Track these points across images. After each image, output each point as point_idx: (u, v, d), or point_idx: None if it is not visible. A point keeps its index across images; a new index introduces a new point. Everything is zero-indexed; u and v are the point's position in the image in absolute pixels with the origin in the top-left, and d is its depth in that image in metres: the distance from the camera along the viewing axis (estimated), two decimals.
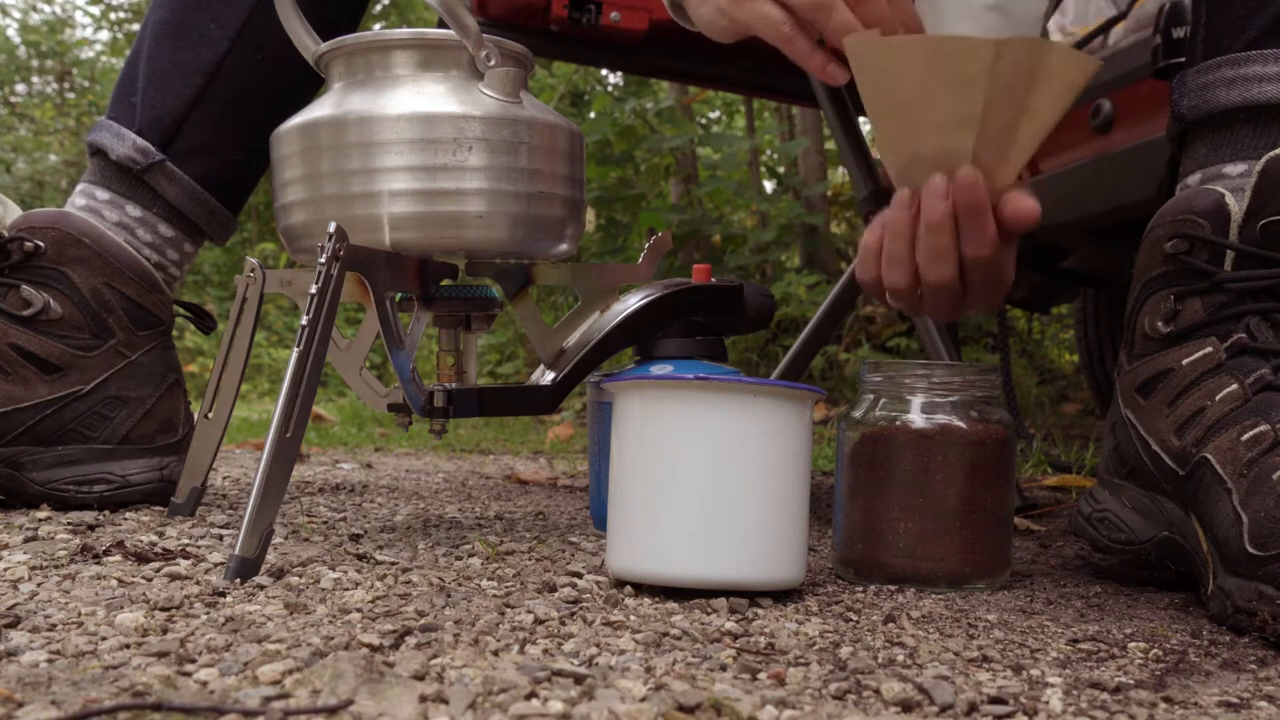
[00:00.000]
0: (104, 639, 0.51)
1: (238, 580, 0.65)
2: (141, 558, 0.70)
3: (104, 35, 7.56)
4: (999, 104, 0.65)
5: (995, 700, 0.47)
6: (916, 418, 0.70)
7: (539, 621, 0.57)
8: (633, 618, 0.59)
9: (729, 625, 0.58)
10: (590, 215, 3.50)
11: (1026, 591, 0.72)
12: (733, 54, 1.31)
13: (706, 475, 0.63)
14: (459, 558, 0.75)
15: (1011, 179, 0.68)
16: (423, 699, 0.43)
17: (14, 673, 0.46)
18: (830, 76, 0.75)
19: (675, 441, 0.64)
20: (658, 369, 0.85)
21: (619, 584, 0.67)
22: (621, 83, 4.10)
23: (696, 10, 0.78)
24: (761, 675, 0.49)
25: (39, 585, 0.63)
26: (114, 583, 0.64)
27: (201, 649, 0.50)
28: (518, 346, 3.45)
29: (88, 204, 0.97)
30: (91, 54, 7.33)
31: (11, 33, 7.21)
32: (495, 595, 0.63)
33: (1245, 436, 0.64)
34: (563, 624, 0.57)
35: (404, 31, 0.78)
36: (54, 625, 0.54)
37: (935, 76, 0.65)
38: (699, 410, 0.64)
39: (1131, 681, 0.51)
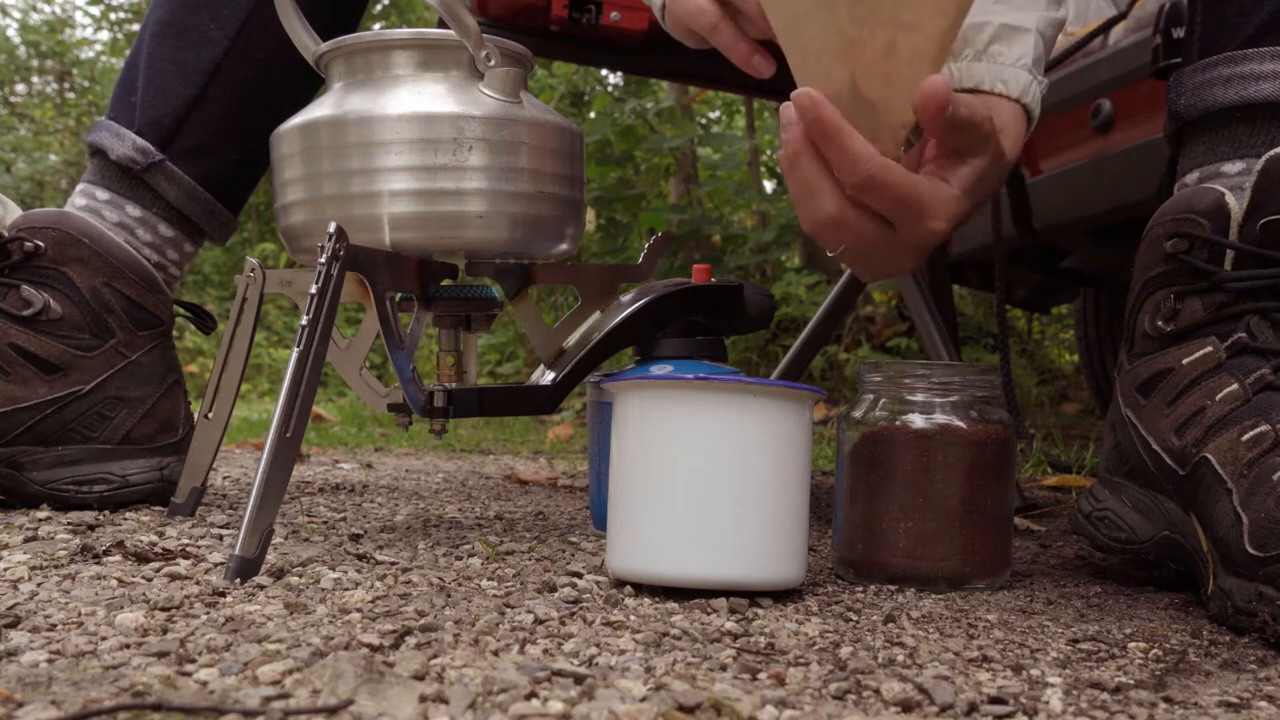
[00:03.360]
0: (104, 639, 0.51)
1: (238, 580, 0.65)
2: (141, 558, 0.70)
3: (104, 35, 7.56)
4: (864, 24, 0.61)
5: (995, 700, 0.47)
6: (916, 418, 0.70)
7: (539, 621, 0.57)
8: (633, 618, 0.59)
9: (729, 625, 0.58)
10: (590, 215, 3.50)
11: (1026, 591, 0.72)
12: None
13: (707, 475, 0.63)
14: (459, 558, 0.75)
15: (906, 104, 0.63)
16: (423, 699, 0.43)
17: (14, 673, 0.46)
18: (754, 68, 0.72)
19: (676, 441, 0.64)
20: (658, 369, 0.85)
21: (619, 584, 0.67)
22: (621, 83, 4.10)
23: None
24: (761, 675, 0.49)
25: (39, 585, 0.63)
26: (114, 583, 0.64)
27: (201, 649, 0.50)
28: (518, 346, 3.45)
29: (88, 204, 0.97)
30: (91, 54, 7.34)
31: (11, 33, 7.22)
32: (495, 595, 0.63)
33: (1245, 436, 0.64)
34: (563, 624, 0.57)
35: (404, 31, 0.78)
36: (54, 625, 0.54)
37: (803, 5, 0.62)
38: (699, 410, 0.64)
39: (1131, 681, 0.51)
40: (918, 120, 0.64)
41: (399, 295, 0.82)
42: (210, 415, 0.86)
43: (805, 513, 0.66)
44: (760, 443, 0.64)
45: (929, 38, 0.62)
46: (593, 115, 3.62)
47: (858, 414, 0.73)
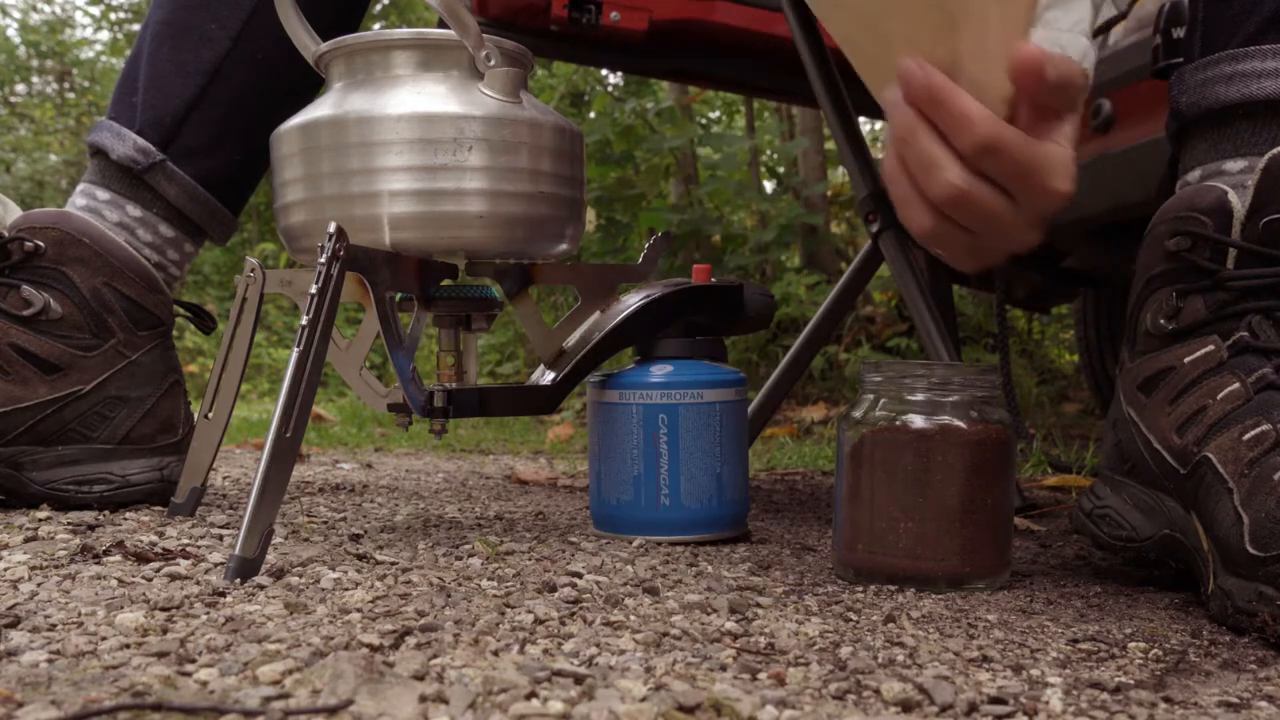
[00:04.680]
0: (104, 639, 0.51)
1: (238, 580, 0.65)
2: (141, 558, 0.70)
3: (104, 35, 7.56)
4: (965, 1, 0.60)
5: (995, 700, 0.47)
6: (916, 418, 0.70)
7: (539, 621, 0.57)
8: (633, 618, 0.59)
9: (729, 625, 0.58)
10: (590, 215, 3.50)
11: (1026, 591, 0.72)
12: (733, 54, 1.31)
13: None
14: (459, 558, 0.75)
15: (1004, 77, 0.62)
16: (423, 699, 0.43)
17: (14, 673, 0.46)
18: None
19: None
20: (658, 369, 0.85)
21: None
22: (621, 83, 4.10)
23: None
24: (761, 675, 0.49)
25: (39, 585, 0.63)
26: (114, 583, 0.64)
27: (201, 649, 0.50)
28: (518, 346, 3.45)
29: (88, 204, 0.97)
30: (91, 54, 7.34)
31: (11, 33, 7.22)
32: (495, 595, 0.63)
33: (1247, 436, 0.64)
34: (563, 624, 0.57)
35: (404, 31, 0.78)
36: (54, 625, 0.54)
37: None
38: None
39: (1131, 681, 0.51)
40: (1016, 88, 0.62)
41: (399, 295, 0.82)
42: (210, 415, 0.86)
43: None
44: None
45: (1021, 6, 0.61)
46: (593, 115, 3.62)
47: (858, 414, 0.73)
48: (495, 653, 0.51)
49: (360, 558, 0.73)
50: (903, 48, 0.62)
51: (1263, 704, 0.48)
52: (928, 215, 0.64)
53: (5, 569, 0.66)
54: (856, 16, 0.64)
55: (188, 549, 0.74)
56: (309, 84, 0.96)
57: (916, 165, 0.63)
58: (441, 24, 0.80)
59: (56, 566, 0.68)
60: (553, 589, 0.65)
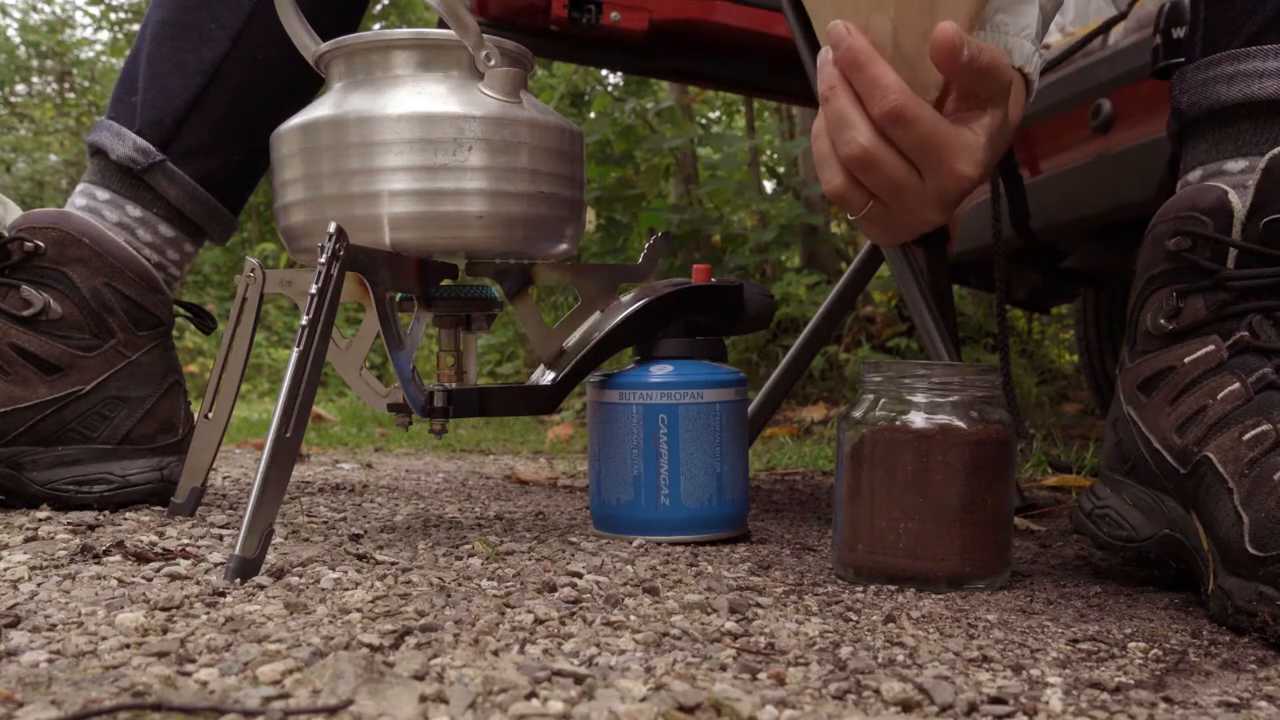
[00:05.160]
0: (104, 639, 0.51)
1: (238, 580, 0.64)
2: (141, 558, 0.70)
3: (104, 35, 7.56)
4: None
5: (995, 700, 0.47)
6: (916, 418, 0.70)
7: (539, 621, 0.57)
8: (633, 618, 0.59)
9: (729, 625, 0.58)
10: (590, 215, 3.50)
11: (1026, 591, 0.72)
12: (733, 54, 1.31)
13: None
14: (459, 558, 0.75)
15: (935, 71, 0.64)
16: (423, 699, 0.43)
17: (14, 673, 0.46)
18: None
19: None
20: (658, 369, 0.85)
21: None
22: (621, 83, 4.10)
23: None
24: (761, 675, 0.49)
25: (39, 585, 0.63)
26: (114, 583, 0.64)
27: (201, 649, 0.50)
28: (518, 346, 3.45)
29: (88, 204, 0.97)
30: (91, 54, 7.34)
31: (11, 33, 7.22)
32: (495, 595, 0.63)
33: (1247, 436, 0.64)
34: (563, 624, 0.57)
35: (404, 31, 0.78)
36: (54, 625, 0.54)
37: None
38: None
39: (1131, 681, 0.51)
40: (937, 67, 0.64)
41: (399, 295, 0.82)
42: (210, 415, 0.86)
43: None
44: None
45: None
46: (593, 115, 3.62)
47: (858, 414, 0.73)
48: (495, 653, 0.51)
49: (360, 558, 0.73)
50: (850, 5, 0.65)
51: (1263, 704, 0.48)
52: (839, 174, 0.67)
53: (5, 569, 0.66)
54: None
55: (188, 549, 0.74)
56: (309, 84, 0.96)
57: (832, 123, 0.66)
58: (441, 24, 0.80)
59: (56, 566, 0.68)
60: (553, 589, 0.65)
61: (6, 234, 0.92)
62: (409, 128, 0.76)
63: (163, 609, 0.57)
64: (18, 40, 7.14)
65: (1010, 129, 0.71)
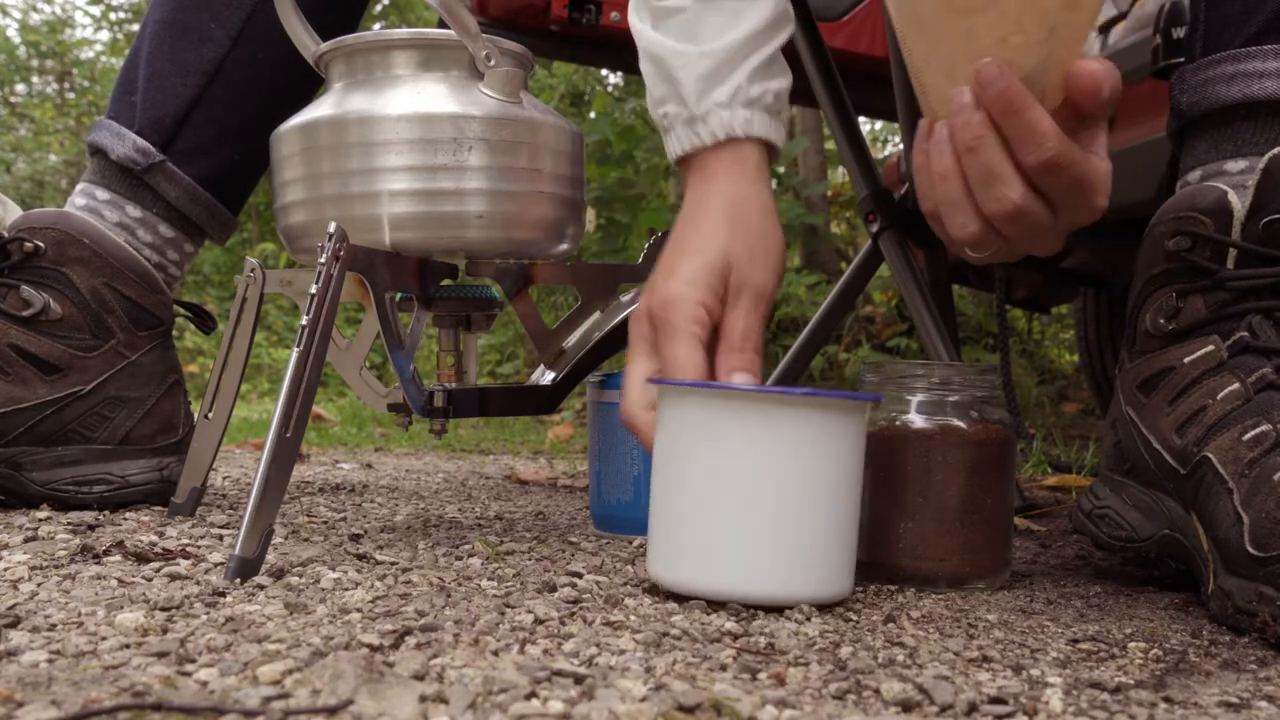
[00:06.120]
0: (104, 639, 0.51)
1: (238, 580, 0.65)
2: (141, 558, 0.70)
3: (104, 35, 7.56)
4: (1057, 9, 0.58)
5: (995, 700, 0.47)
6: (916, 418, 0.70)
7: (539, 621, 0.57)
8: (633, 618, 0.59)
9: (729, 625, 0.58)
10: (590, 215, 3.50)
11: (1026, 591, 0.72)
12: None
13: (771, 488, 0.61)
14: (459, 558, 0.75)
15: (1062, 79, 0.60)
16: (423, 699, 0.43)
17: (14, 673, 0.46)
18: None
19: (740, 452, 0.61)
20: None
21: (653, 589, 0.67)
22: (621, 83, 4.10)
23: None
24: (761, 675, 0.49)
25: (39, 585, 0.63)
26: (114, 583, 0.64)
27: (201, 649, 0.50)
28: (518, 346, 3.45)
29: (88, 204, 0.97)
30: (91, 54, 7.33)
31: (11, 33, 7.21)
32: (495, 595, 0.63)
33: (1247, 436, 0.64)
34: (563, 624, 0.57)
35: (404, 31, 0.78)
36: (54, 625, 0.54)
37: None
38: (768, 420, 0.61)
39: (1131, 681, 0.51)
40: (1073, 103, 0.61)
41: (399, 295, 0.82)
42: (210, 415, 0.86)
43: (856, 523, 0.65)
44: (823, 455, 0.62)
45: (1087, 14, 0.60)
46: (593, 115, 3.62)
47: None
48: (495, 653, 0.51)
49: (360, 558, 0.73)
50: (990, 46, 0.60)
51: (1263, 704, 0.48)
52: (976, 223, 0.63)
53: (5, 569, 0.66)
54: (947, 4, 0.60)
55: (188, 549, 0.74)
56: (309, 84, 0.96)
57: (978, 177, 0.61)
58: (441, 24, 0.80)
59: (56, 566, 0.68)
60: (553, 589, 0.65)
61: (6, 234, 0.92)
62: (409, 128, 0.76)
63: (163, 609, 0.57)
64: (18, 40, 7.14)
65: None
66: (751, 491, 0.61)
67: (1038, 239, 0.64)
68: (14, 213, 0.95)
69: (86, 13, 10.03)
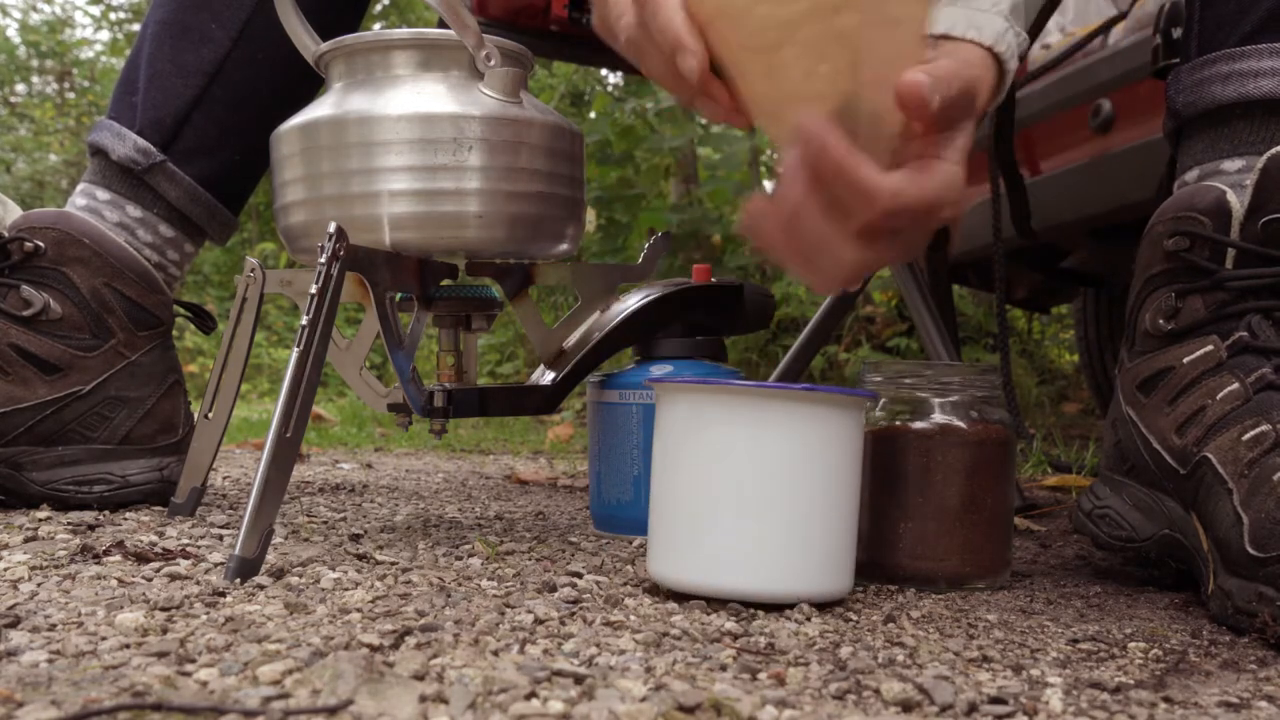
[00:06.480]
0: (104, 639, 0.51)
1: (238, 580, 0.65)
2: (141, 558, 0.70)
3: (104, 35, 7.56)
4: (871, 27, 0.54)
5: (995, 700, 0.47)
6: (916, 418, 0.70)
7: (539, 621, 0.57)
8: (633, 618, 0.59)
9: (729, 625, 0.58)
10: (590, 215, 3.50)
11: (1026, 591, 0.72)
12: None
13: (769, 485, 0.61)
14: (459, 558, 0.75)
15: (894, 107, 0.56)
16: (423, 699, 0.43)
17: (14, 673, 0.46)
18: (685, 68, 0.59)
19: (745, 450, 0.61)
20: (658, 369, 0.85)
21: (653, 589, 0.67)
22: (621, 83, 4.10)
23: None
24: (761, 675, 0.49)
25: (39, 585, 0.63)
26: (114, 583, 0.64)
27: (201, 649, 0.50)
28: (518, 346, 3.45)
29: (88, 204, 0.97)
30: (91, 54, 7.33)
31: (11, 33, 7.21)
32: (495, 595, 0.63)
33: (1246, 436, 0.64)
34: (563, 624, 0.57)
35: (404, 31, 0.78)
36: (54, 625, 0.54)
37: (790, 8, 0.54)
38: (768, 417, 0.61)
39: (1131, 681, 0.51)
40: (910, 122, 0.58)
41: (399, 295, 0.82)
42: (210, 415, 0.86)
43: (855, 520, 0.65)
44: (822, 450, 0.62)
45: (914, 29, 0.56)
46: (593, 115, 3.62)
47: None
48: (495, 653, 0.51)
49: (360, 558, 0.73)
50: (798, 81, 0.56)
51: (1263, 704, 0.48)
52: (814, 277, 0.61)
53: (5, 569, 0.67)
54: (755, 38, 0.56)
55: (188, 549, 0.74)
56: (309, 84, 0.96)
57: (809, 247, 0.59)
58: (441, 24, 0.80)
59: (56, 566, 0.68)
60: (553, 589, 0.65)
61: (6, 234, 0.92)
62: (409, 128, 0.76)
63: (163, 609, 0.57)
64: (18, 40, 7.14)
65: (976, 124, 0.65)
66: (751, 487, 0.61)
67: (898, 255, 0.63)
68: (14, 213, 0.95)
69: (86, 13, 10.03)
